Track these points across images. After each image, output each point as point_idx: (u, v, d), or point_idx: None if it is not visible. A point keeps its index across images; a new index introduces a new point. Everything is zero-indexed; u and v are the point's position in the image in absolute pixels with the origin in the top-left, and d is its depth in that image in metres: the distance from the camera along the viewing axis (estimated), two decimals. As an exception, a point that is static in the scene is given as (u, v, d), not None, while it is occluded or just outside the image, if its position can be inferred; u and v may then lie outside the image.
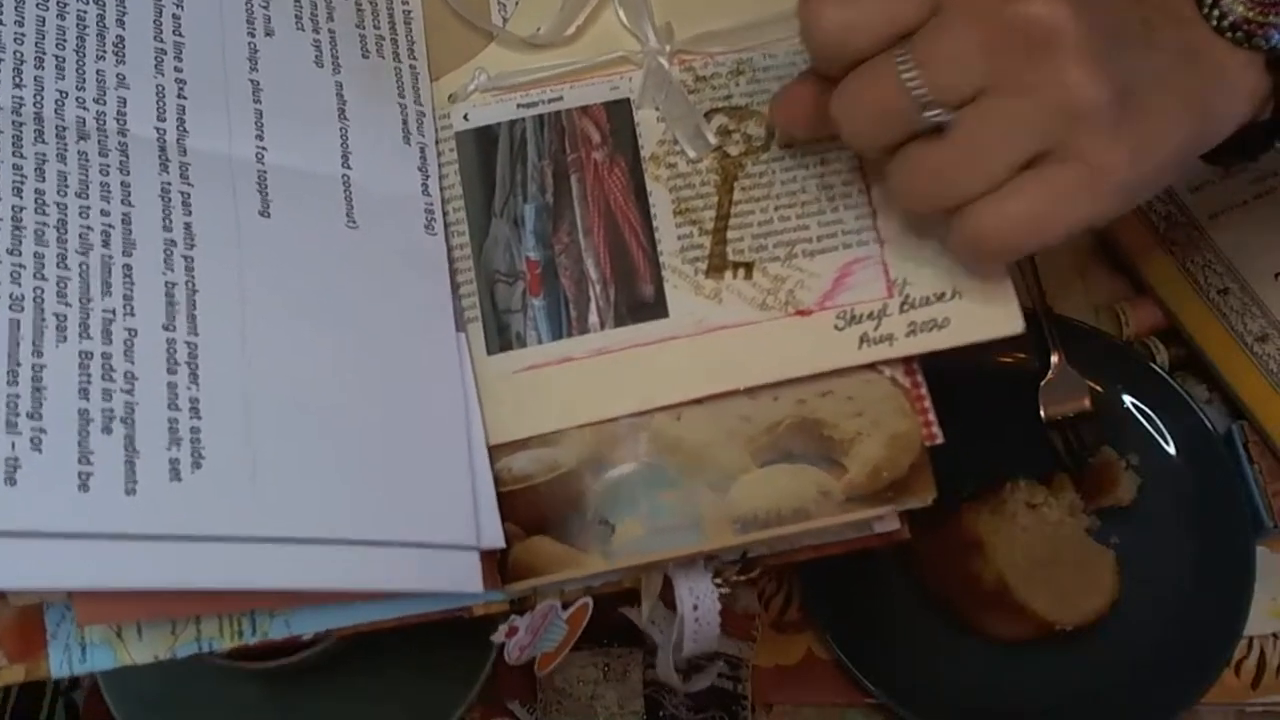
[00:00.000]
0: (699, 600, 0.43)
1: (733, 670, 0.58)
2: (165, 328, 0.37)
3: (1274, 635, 0.61)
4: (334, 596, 0.39)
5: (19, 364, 0.35)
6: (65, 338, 0.36)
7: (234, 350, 0.38)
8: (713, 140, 0.45)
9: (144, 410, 0.36)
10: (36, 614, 0.39)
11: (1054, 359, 0.64)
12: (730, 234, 0.44)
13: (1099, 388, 0.64)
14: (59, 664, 0.39)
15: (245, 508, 0.37)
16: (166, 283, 0.38)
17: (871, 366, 0.43)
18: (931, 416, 0.43)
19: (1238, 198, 0.66)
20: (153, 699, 0.57)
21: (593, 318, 0.44)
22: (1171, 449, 0.63)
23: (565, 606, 0.43)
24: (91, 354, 0.36)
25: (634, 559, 0.41)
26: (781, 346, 0.43)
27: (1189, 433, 0.63)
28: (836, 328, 0.43)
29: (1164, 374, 0.64)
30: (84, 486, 0.34)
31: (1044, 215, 0.37)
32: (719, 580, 0.43)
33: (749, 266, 0.44)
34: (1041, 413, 0.64)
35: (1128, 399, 0.64)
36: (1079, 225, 0.37)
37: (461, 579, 0.39)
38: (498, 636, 0.42)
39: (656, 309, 0.44)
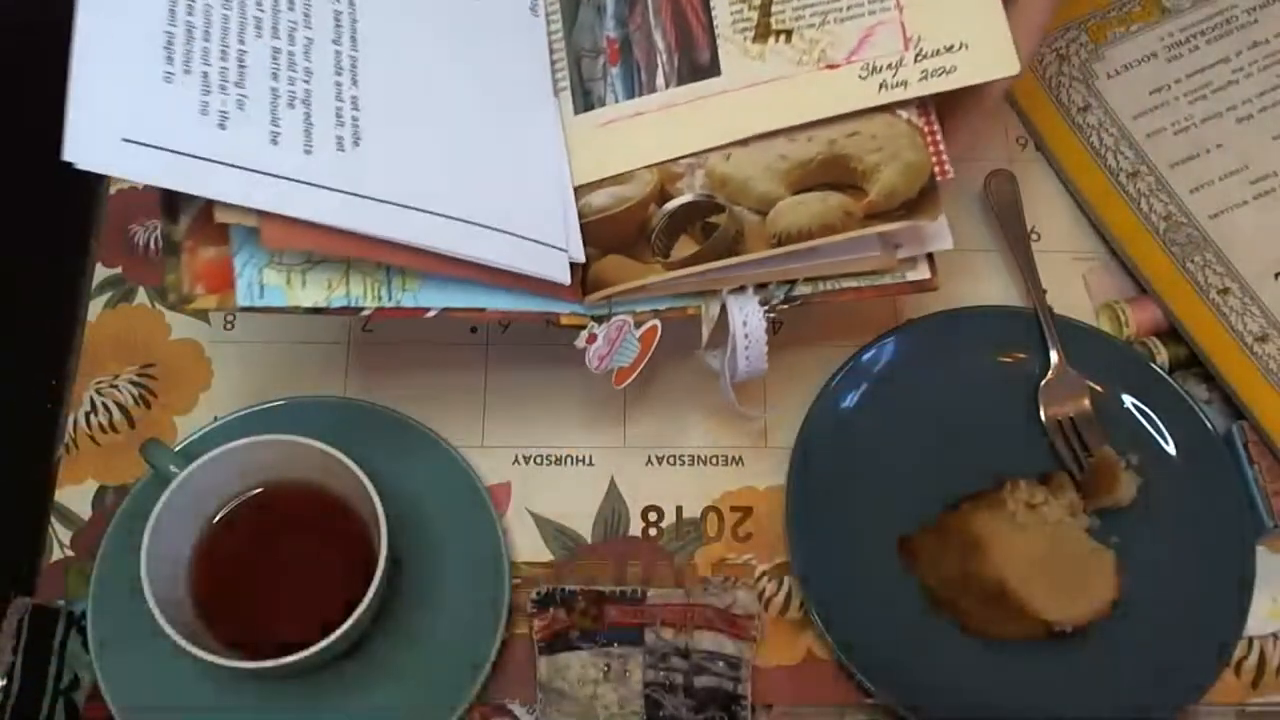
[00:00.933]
0: (748, 318, 0.52)
1: (733, 670, 0.58)
2: (334, 42, 0.52)
3: (1274, 635, 0.61)
4: (454, 267, 0.50)
5: (227, 48, 0.49)
6: (260, 34, 0.50)
7: (385, 67, 0.52)
8: None
9: (317, 98, 0.50)
10: (227, 258, 0.48)
11: (1054, 359, 0.64)
12: (774, 8, 0.54)
13: (1099, 388, 0.64)
14: (244, 296, 0.48)
15: (392, 179, 0.49)
16: (334, 10, 0.52)
17: (890, 110, 0.52)
18: (943, 149, 0.51)
19: (1238, 198, 0.66)
20: (152, 700, 0.57)
21: (659, 80, 0.55)
22: (1171, 449, 0.63)
23: (637, 327, 0.53)
24: (280, 50, 0.50)
25: (688, 269, 0.51)
26: (813, 95, 0.52)
27: (1189, 433, 0.63)
28: (860, 77, 0.52)
29: (1164, 374, 0.64)
30: (274, 141, 0.48)
31: None
32: (766, 307, 0.53)
33: (789, 33, 0.53)
34: (1041, 413, 0.64)
35: (1128, 399, 0.64)
36: None
37: (554, 270, 0.51)
38: (579, 342, 0.53)
39: (711, 70, 0.54)
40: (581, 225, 0.52)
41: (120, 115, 0.45)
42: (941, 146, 0.51)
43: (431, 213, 0.49)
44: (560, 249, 0.52)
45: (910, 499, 0.61)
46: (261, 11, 0.50)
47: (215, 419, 0.63)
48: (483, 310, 0.51)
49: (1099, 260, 0.69)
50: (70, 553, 0.62)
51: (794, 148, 0.52)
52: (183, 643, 0.51)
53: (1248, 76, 0.69)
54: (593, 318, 0.53)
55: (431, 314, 0.51)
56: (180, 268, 0.47)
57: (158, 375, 0.66)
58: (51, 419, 0.65)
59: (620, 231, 0.52)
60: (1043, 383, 0.64)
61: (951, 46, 0.51)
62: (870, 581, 0.60)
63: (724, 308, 0.53)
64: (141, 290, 0.68)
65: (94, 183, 0.71)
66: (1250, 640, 0.60)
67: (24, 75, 0.75)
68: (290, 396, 0.63)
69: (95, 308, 0.67)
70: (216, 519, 0.58)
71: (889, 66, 0.51)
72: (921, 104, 0.52)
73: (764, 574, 0.61)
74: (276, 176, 0.47)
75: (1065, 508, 0.60)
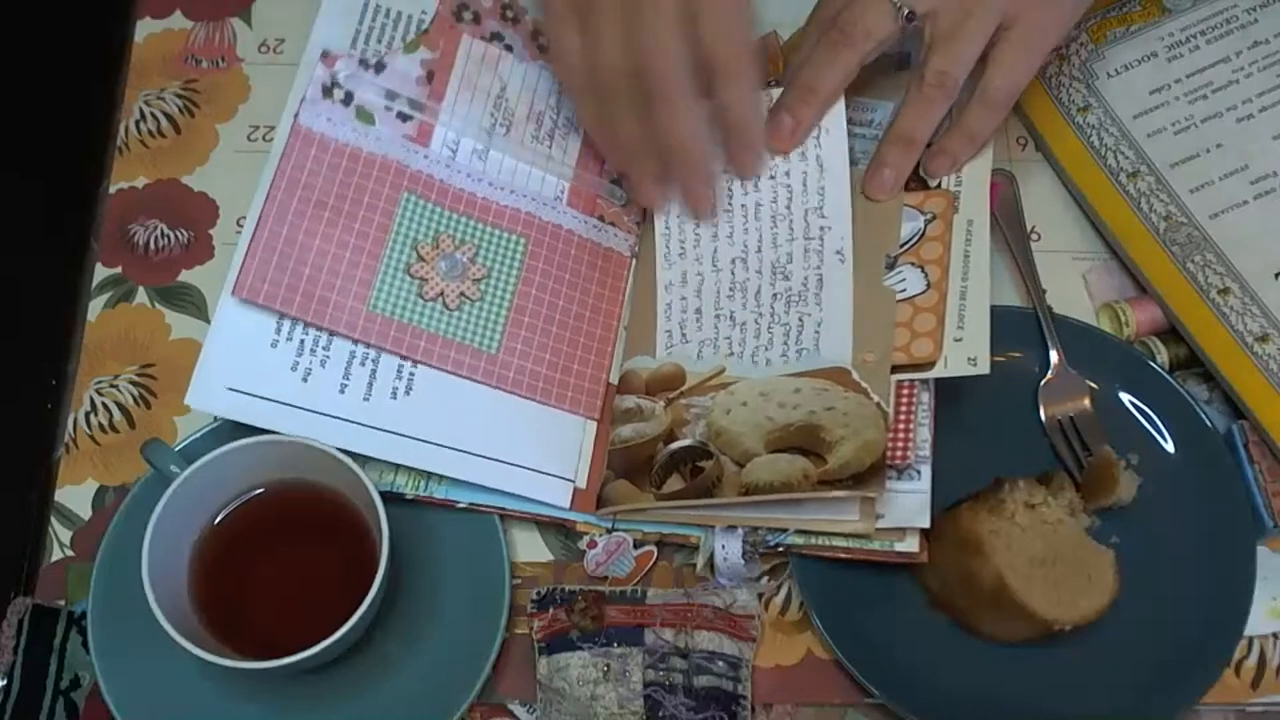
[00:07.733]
0: (729, 554, 0.59)
1: (733, 670, 0.58)
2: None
3: (1274, 635, 0.61)
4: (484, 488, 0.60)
5: (310, 326, 0.60)
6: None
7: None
8: None
9: (383, 362, 0.60)
10: None
11: (1054, 359, 0.64)
12: None
13: (1099, 388, 0.64)
14: None
15: (434, 424, 0.60)
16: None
17: (866, 393, 0.58)
18: (903, 437, 0.56)
19: (1238, 198, 0.66)
20: (152, 700, 0.57)
21: None
22: (1171, 449, 0.63)
23: (637, 547, 0.61)
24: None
25: (672, 503, 0.59)
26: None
27: (1189, 433, 0.63)
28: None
29: (1164, 374, 0.64)
30: (341, 390, 0.59)
31: (1028, 59, 0.62)
32: (749, 545, 0.58)
33: None
34: (1041, 413, 0.64)
35: (1128, 399, 0.64)
36: (1040, 60, 0.62)
37: (557, 497, 0.60)
38: (582, 544, 0.61)
39: None
40: (609, 452, 0.61)
41: (230, 371, 0.58)
42: (903, 434, 0.56)
43: (460, 450, 0.59)
44: (568, 479, 0.61)
45: (910, 499, 0.61)
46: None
47: (215, 419, 0.63)
48: (504, 509, 0.60)
49: (1099, 260, 0.69)
50: (70, 553, 0.62)
51: (781, 413, 0.59)
52: (183, 642, 0.52)
53: (1248, 76, 0.69)
54: (600, 528, 0.60)
55: (462, 505, 0.60)
56: None
57: (158, 375, 0.66)
58: (51, 419, 0.65)
59: (633, 461, 0.60)
60: (1043, 383, 0.64)
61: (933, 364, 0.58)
62: (870, 581, 0.60)
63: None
64: (141, 290, 0.68)
65: (94, 183, 0.71)
66: (1250, 640, 0.60)
67: (24, 77, 0.75)
68: (290, 396, 0.63)
69: (95, 308, 0.67)
70: (217, 519, 0.58)
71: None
72: (897, 394, 0.58)
73: (764, 574, 0.61)
74: (339, 419, 0.58)
75: (1065, 508, 0.60)
